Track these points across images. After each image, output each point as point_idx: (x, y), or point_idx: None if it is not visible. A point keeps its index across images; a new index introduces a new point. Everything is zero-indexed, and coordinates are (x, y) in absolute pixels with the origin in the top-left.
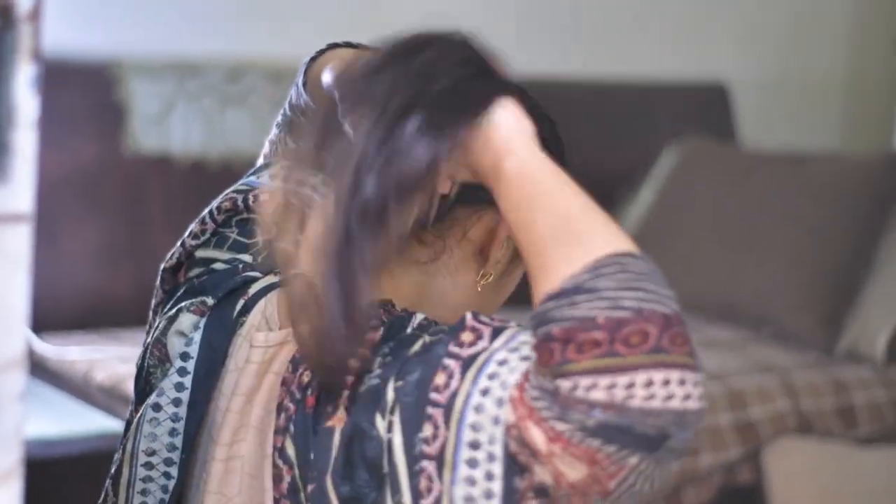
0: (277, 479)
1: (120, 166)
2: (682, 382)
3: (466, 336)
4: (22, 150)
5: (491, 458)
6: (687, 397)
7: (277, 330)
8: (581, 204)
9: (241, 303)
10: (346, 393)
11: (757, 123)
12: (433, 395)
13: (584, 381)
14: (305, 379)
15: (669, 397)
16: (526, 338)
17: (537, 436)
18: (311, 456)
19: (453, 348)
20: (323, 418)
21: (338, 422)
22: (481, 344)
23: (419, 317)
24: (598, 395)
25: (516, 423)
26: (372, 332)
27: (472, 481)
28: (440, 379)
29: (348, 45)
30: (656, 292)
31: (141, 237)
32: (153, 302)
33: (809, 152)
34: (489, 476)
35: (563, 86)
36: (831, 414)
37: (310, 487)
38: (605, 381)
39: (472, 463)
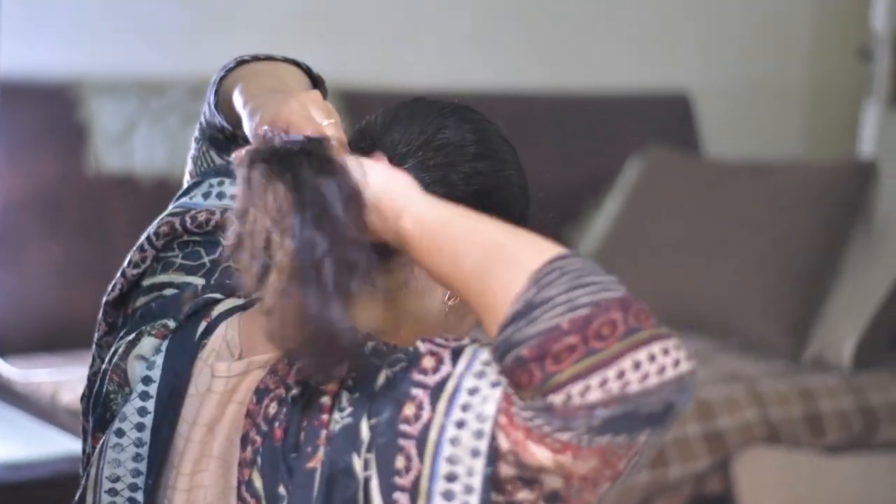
0: None
1: (83, 186)
2: (665, 352)
3: (427, 361)
4: None
5: (468, 490)
6: (677, 363)
7: (238, 357)
8: (492, 230)
9: (203, 325)
10: (323, 433)
11: (720, 133)
12: (403, 427)
13: (576, 388)
14: (272, 411)
15: (662, 370)
16: (487, 356)
17: (541, 453)
18: (281, 490)
19: (417, 376)
20: (303, 459)
21: (318, 462)
22: (444, 369)
23: (370, 344)
24: (595, 395)
25: (512, 449)
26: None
27: None
28: (409, 410)
29: (255, 58)
30: (602, 282)
31: (105, 257)
32: (96, 335)
33: (773, 161)
34: None
35: (526, 98)
36: (799, 422)
37: None
38: (595, 380)
39: (448, 495)
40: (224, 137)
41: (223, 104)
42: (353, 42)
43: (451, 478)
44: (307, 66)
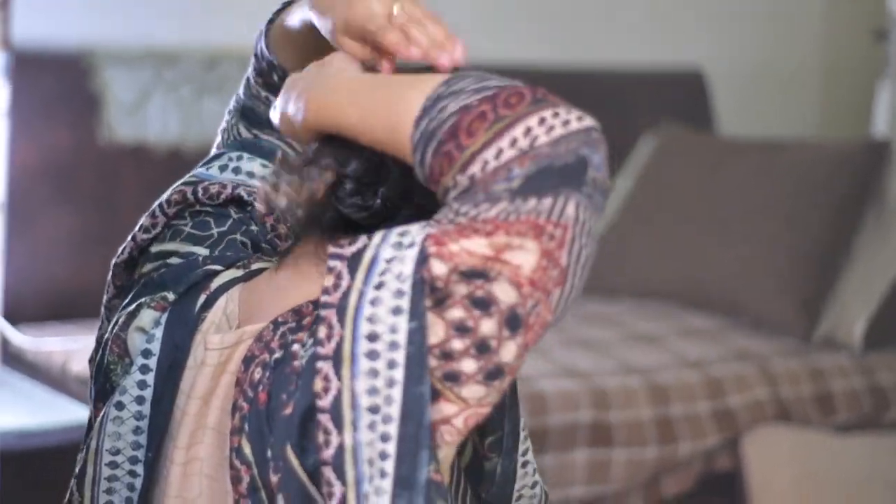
0: (236, 479)
1: (95, 155)
2: (568, 111)
3: (344, 239)
4: None
5: (393, 346)
6: (581, 118)
7: (235, 328)
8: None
9: (202, 298)
10: (294, 377)
11: (734, 111)
12: (324, 298)
13: (489, 153)
14: (256, 376)
15: (566, 122)
16: (402, 228)
17: (475, 244)
18: (269, 453)
19: (334, 248)
20: (280, 409)
21: (292, 406)
22: (361, 241)
23: None
24: (508, 154)
25: (452, 266)
26: (308, 318)
27: (374, 373)
28: (329, 281)
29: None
30: (510, 81)
31: (117, 226)
32: (105, 297)
33: (786, 139)
34: (391, 364)
35: (538, 74)
36: (809, 401)
37: (275, 478)
38: (505, 141)
39: (373, 355)
40: (262, 106)
41: (275, 46)
42: None
43: (372, 337)
44: None
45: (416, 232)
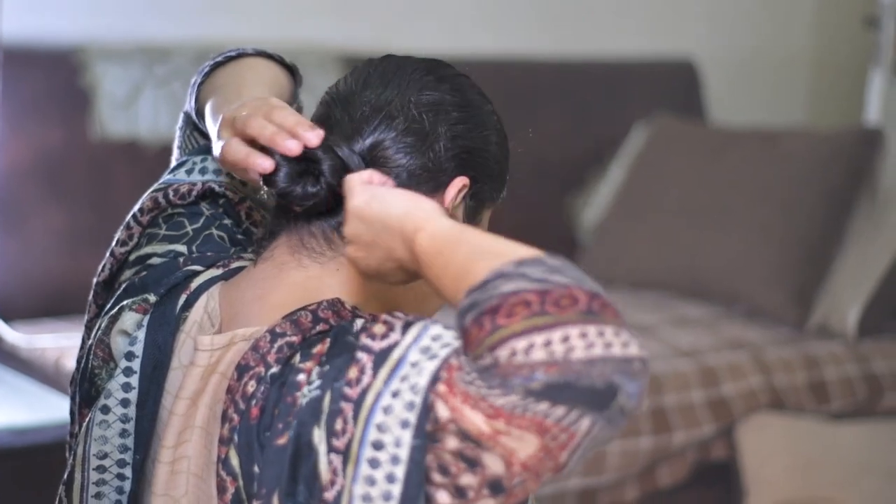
0: (221, 489)
1: (87, 152)
2: (617, 334)
3: (378, 328)
4: None
5: (395, 460)
6: (626, 345)
7: (219, 328)
8: (492, 237)
9: (183, 298)
10: (294, 409)
11: (726, 100)
12: (345, 390)
13: (521, 344)
14: (250, 389)
15: (609, 345)
16: (437, 331)
17: (476, 418)
18: (256, 469)
19: (365, 339)
20: (274, 436)
21: (287, 439)
22: (393, 336)
23: (359, 322)
24: (538, 354)
25: (452, 417)
26: (320, 345)
27: (371, 481)
28: (352, 373)
29: (228, 58)
30: (581, 278)
31: (109, 223)
32: (86, 317)
33: (779, 128)
34: (390, 478)
35: (532, 65)
36: (803, 389)
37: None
38: (540, 338)
39: (374, 463)
40: None
41: (200, 114)
42: (358, 10)
43: (377, 445)
44: (280, 57)
45: (445, 341)
